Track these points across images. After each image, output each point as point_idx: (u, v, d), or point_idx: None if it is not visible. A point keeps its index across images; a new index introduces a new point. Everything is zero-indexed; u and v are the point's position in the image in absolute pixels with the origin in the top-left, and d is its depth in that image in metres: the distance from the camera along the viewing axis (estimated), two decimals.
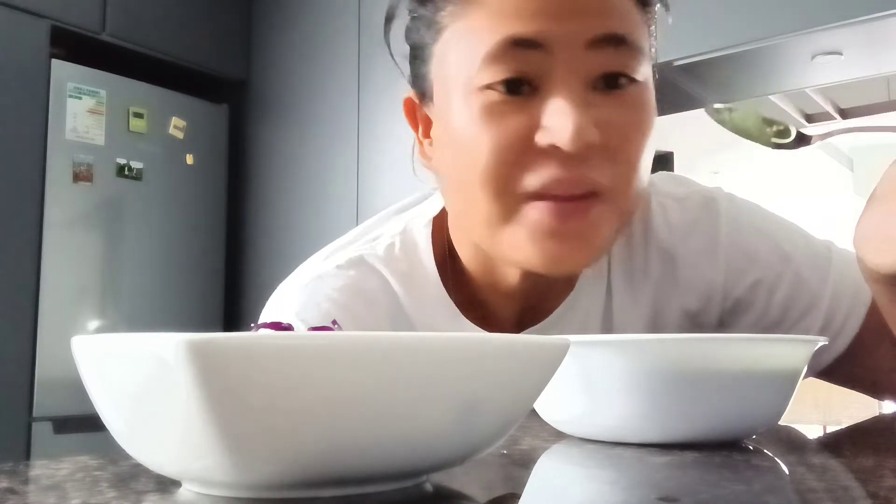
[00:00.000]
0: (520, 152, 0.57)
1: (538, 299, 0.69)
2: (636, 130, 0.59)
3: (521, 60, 0.57)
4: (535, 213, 0.58)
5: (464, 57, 0.59)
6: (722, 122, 0.56)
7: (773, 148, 0.55)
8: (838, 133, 0.54)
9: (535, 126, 0.57)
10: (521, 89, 0.57)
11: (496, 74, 0.57)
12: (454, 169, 0.62)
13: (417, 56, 0.65)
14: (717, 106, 0.56)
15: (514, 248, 0.60)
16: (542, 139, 0.57)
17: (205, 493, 0.31)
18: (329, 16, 2.83)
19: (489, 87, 0.57)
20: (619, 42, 0.57)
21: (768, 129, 0.55)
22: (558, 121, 0.56)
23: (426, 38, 0.63)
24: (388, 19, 0.68)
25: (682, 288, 0.70)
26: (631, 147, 0.59)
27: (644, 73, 0.60)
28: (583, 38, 0.56)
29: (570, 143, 0.55)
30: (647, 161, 0.61)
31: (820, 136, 0.54)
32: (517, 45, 0.56)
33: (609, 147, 0.57)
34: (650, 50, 0.63)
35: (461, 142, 0.60)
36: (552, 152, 0.57)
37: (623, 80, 0.58)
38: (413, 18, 0.65)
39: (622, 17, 0.58)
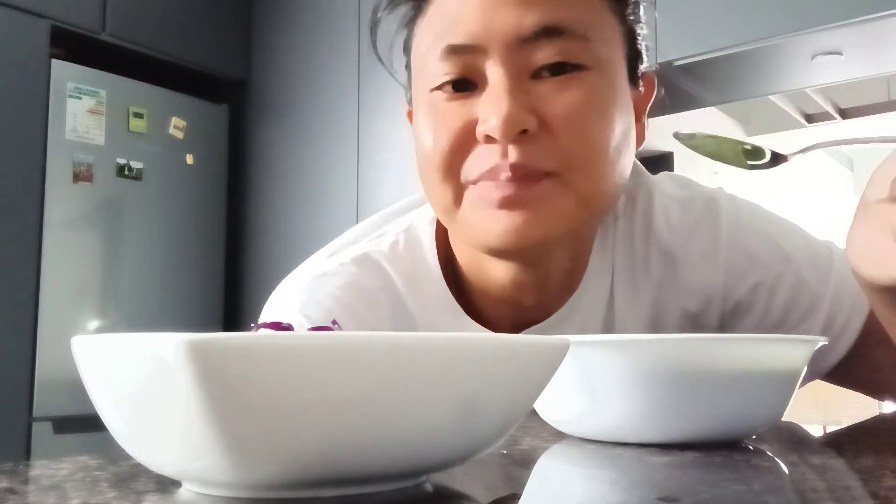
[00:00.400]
0: (462, 146, 0.61)
1: (536, 302, 0.68)
2: (582, 112, 0.60)
3: (459, 63, 0.61)
4: (477, 189, 0.61)
5: (420, 66, 0.64)
6: (694, 149, 0.56)
7: (748, 169, 0.56)
8: (812, 149, 0.54)
9: (473, 122, 0.60)
10: (462, 89, 0.61)
11: (440, 78, 0.62)
12: (418, 166, 0.66)
13: (406, 66, 0.70)
14: (682, 133, 0.56)
15: (468, 226, 0.62)
16: (478, 131, 0.60)
17: (205, 493, 0.31)
18: (329, 16, 2.83)
19: (437, 89, 0.62)
20: (556, 33, 0.59)
21: (742, 152, 0.55)
22: (487, 111, 0.59)
23: (406, 53, 0.69)
24: (372, 28, 0.71)
25: (683, 289, 0.70)
26: (576, 129, 0.60)
27: (597, 58, 0.61)
28: (514, 36, 0.59)
29: (499, 129, 0.58)
30: (610, 145, 0.61)
31: (794, 153, 0.54)
32: (453, 51, 0.61)
33: (552, 131, 0.59)
34: (623, 38, 0.64)
35: (417, 142, 0.65)
36: (492, 143, 0.59)
37: (568, 67, 0.60)
38: (398, 31, 0.69)
39: (563, 7, 0.60)
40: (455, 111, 0.61)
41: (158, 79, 2.81)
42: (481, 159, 0.60)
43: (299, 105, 2.89)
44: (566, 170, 0.59)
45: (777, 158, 0.55)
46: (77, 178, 2.56)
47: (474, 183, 0.61)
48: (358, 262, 0.70)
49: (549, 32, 0.59)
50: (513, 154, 0.58)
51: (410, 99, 0.69)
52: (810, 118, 3.65)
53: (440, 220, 0.68)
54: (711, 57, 2.05)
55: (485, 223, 0.60)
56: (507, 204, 0.59)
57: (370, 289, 0.68)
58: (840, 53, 2.12)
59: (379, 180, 2.64)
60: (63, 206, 2.53)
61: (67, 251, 2.54)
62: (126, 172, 2.68)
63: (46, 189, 2.49)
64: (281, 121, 2.95)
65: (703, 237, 0.71)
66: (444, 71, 0.61)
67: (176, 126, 2.82)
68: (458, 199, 0.62)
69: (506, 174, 0.59)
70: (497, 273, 0.66)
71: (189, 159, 2.86)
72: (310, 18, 2.89)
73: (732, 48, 2.02)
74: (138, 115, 2.72)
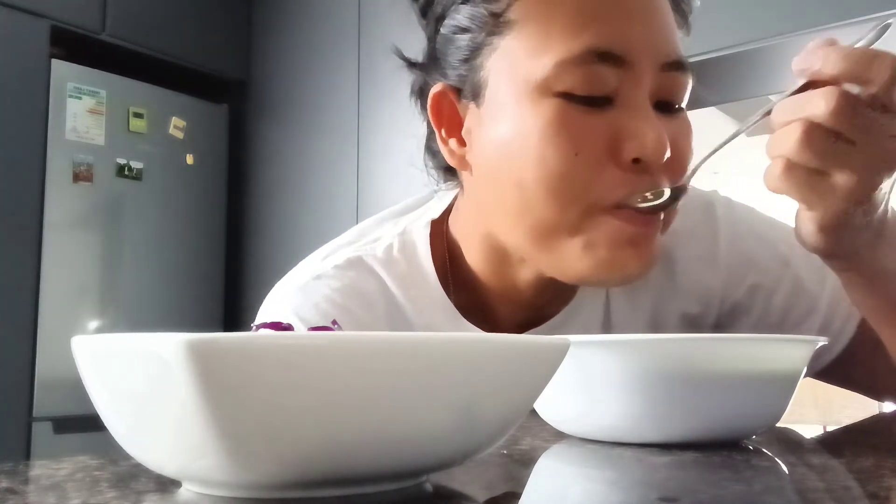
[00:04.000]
0: (601, 164, 0.56)
1: (541, 307, 0.69)
2: (687, 152, 0.60)
3: (603, 73, 0.56)
4: (616, 221, 0.57)
5: (536, 56, 0.57)
6: None
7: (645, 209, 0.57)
8: (700, 165, 0.57)
9: (616, 138, 0.56)
10: (598, 100, 0.56)
11: (576, 85, 0.56)
12: (509, 174, 0.59)
13: (462, 47, 0.62)
14: None
15: (577, 254, 0.58)
16: (630, 151, 0.56)
17: (205, 493, 0.32)
18: (329, 16, 2.83)
19: (565, 94, 0.56)
20: (682, 67, 0.59)
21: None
22: (647, 133, 0.55)
23: (485, 30, 0.60)
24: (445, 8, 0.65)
25: (681, 293, 0.71)
26: (683, 168, 0.60)
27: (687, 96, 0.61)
28: (660, 59, 0.57)
29: (654, 153, 0.55)
30: None
31: (688, 176, 0.58)
32: (599, 57, 0.55)
33: (669, 167, 0.58)
34: None
35: (528, 146, 0.57)
36: (630, 166, 0.56)
37: (677, 105, 0.60)
38: (464, 5, 0.61)
39: (679, 40, 0.60)
40: (593, 126, 0.56)
41: (158, 79, 2.81)
42: (626, 183, 0.56)
43: (299, 105, 2.89)
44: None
45: (677, 191, 0.57)
46: (77, 178, 2.56)
47: (606, 211, 0.57)
48: (352, 264, 0.69)
49: (680, 65, 0.59)
50: (653, 182, 0.57)
51: (467, 86, 0.62)
52: None
53: (511, 240, 0.63)
54: (711, 57, 2.05)
55: (606, 257, 0.57)
56: (636, 242, 0.57)
57: (366, 291, 0.68)
58: None
59: (379, 180, 2.64)
60: (63, 206, 2.53)
61: (67, 251, 2.54)
62: (126, 172, 2.68)
63: (46, 189, 2.49)
64: (281, 121, 2.95)
65: (701, 241, 0.71)
66: (580, 77, 0.56)
67: (176, 126, 2.82)
68: (578, 225, 0.57)
69: (643, 201, 0.56)
70: (519, 278, 0.66)
71: (189, 159, 2.86)
72: (310, 18, 2.89)
73: (732, 48, 2.02)
74: (138, 115, 2.72)
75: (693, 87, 0.63)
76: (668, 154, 0.56)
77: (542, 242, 0.59)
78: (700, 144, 0.61)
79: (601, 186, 0.56)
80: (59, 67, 2.55)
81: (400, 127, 2.54)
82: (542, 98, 0.57)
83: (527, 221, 0.59)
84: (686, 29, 0.65)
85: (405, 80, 0.70)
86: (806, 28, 1.93)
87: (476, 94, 0.61)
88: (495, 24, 0.59)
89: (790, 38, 1.99)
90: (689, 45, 0.64)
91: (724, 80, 2.29)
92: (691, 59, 0.62)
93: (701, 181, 0.77)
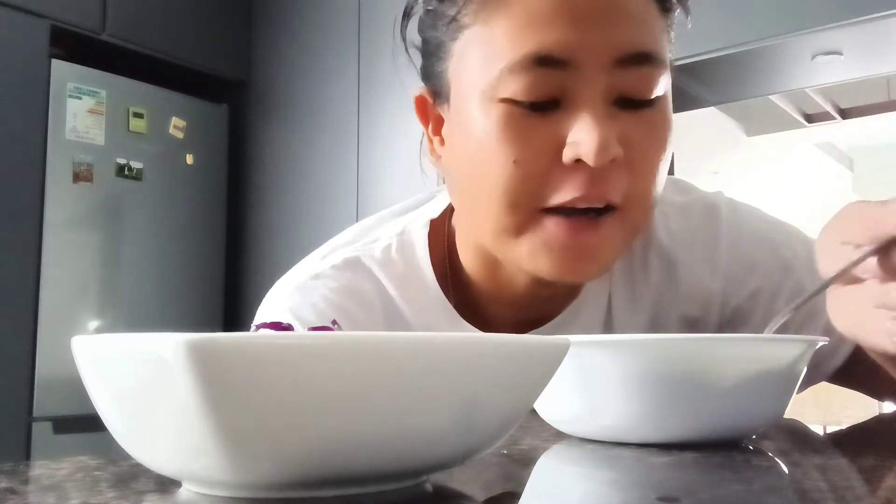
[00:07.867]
0: (544, 169, 0.56)
1: (540, 308, 0.69)
2: (657, 146, 0.59)
3: (545, 78, 0.55)
4: (552, 226, 0.57)
5: (484, 62, 0.57)
6: None
7: None
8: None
9: (559, 142, 0.56)
10: (543, 105, 0.56)
11: (518, 91, 0.56)
12: (468, 175, 0.60)
13: (433, 52, 0.63)
14: None
15: (525, 256, 0.59)
16: (567, 155, 0.56)
17: (205, 493, 0.31)
18: (329, 16, 2.83)
19: (509, 100, 0.56)
20: (644, 60, 0.56)
21: None
22: (584, 136, 0.54)
23: (444, 36, 0.61)
24: (407, 14, 0.66)
25: (682, 295, 0.70)
26: (651, 163, 0.58)
27: (667, 84, 0.59)
28: (609, 57, 0.55)
29: (595, 158, 0.54)
30: (664, 173, 0.60)
31: None
32: (541, 62, 0.55)
33: (630, 164, 0.57)
34: (670, 56, 0.61)
35: (479, 150, 0.58)
36: (575, 168, 0.56)
37: (650, 99, 0.58)
38: (429, 12, 0.63)
39: (648, 31, 0.57)
40: (536, 131, 0.56)
41: (158, 79, 2.81)
42: (566, 186, 0.56)
43: (300, 105, 2.89)
44: (627, 205, 0.58)
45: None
46: (77, 178, 2.56)
47: (546, 211, 0.57)
48: (350, 265, 0.69)
49: (641, 59, 0.56)
50: (599, 183, 0.56)
51: (438, 88, 0.63)
52: (810, 118, 3.65)
53: (480, 240, 0.64)
54: (711, 57, 2.04)
55: (546, 259, 0.58)
56: (573, 248, 0.57)
57: (363, 292, 0.68)
58: (840, 53, 2.12)
59: (379, 180, 2.64)
60: (63, 206, 2.53)
61: (67, 251, 2.54)
62: (126, 172, 2.67)
63: (46, 189, 2.49)
64: (281, 121, 2.95)
65: (704, 243, 0.71)
66: (523, 84, 0.55)
67: (176, 126, 2.82)
68: (523, 227, 0.58)
69: (584, 204, 0.56)
70: (513, 279, 0.66)
71: (189, 159, 2.86)
72: (310, 18, 2.89)
73: (732, 48, 2.02)
74: (138, 115, 2.72)
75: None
76: (612, 154, 0.54)
77: (496, 242, 0.61)
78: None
79: (545, 190, 0.57)
80: (59, 67, 2.55)
81: (400, 127, 2.54)
82: (489, 104, 0.57)
83: (481, 222, 0.61)
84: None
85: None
86: (806, 28, 1.93)
87: (447, 98, 0.63)
88: (452, 28, 0.60)
89: (790, 38, 1.99)
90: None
91: (724, 80, 2.29)
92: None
93: (702, 180, 0.77)
